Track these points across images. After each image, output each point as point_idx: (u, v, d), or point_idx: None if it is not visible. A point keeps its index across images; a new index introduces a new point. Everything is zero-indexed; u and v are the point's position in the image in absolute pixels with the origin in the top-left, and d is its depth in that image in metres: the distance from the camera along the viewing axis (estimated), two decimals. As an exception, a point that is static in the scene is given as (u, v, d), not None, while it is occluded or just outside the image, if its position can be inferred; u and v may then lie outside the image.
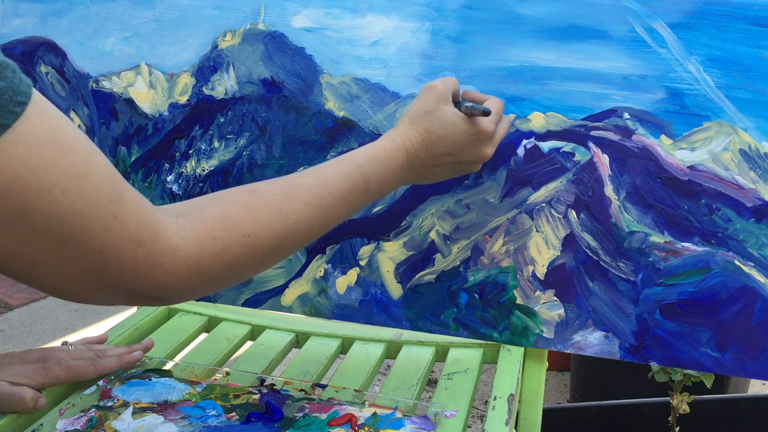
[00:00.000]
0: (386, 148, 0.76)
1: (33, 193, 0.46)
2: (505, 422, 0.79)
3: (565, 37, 0.89)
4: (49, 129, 0.48)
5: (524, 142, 0.91)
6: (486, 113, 0.79)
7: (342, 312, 1.01)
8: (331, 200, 0.68)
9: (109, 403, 0.84)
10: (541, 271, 0.93)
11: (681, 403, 1.45)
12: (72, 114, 1.07)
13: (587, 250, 0.91)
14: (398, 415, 0.81)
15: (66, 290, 0.53)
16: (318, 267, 1.01)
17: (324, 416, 0.81)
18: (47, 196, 0.47)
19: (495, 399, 0.84)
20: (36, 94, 0.48)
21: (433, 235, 0.96)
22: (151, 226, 0.53)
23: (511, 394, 0.85)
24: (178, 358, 0.98)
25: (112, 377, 0.89)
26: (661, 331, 0.89)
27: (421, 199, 0.96)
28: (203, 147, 1.03)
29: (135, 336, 1.04)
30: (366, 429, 0.78)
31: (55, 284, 0.52)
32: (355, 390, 0.86)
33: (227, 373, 0.90)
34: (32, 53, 1.08)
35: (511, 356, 0.94)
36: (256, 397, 0.85)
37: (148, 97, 1.04)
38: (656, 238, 0.88)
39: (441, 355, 1.00)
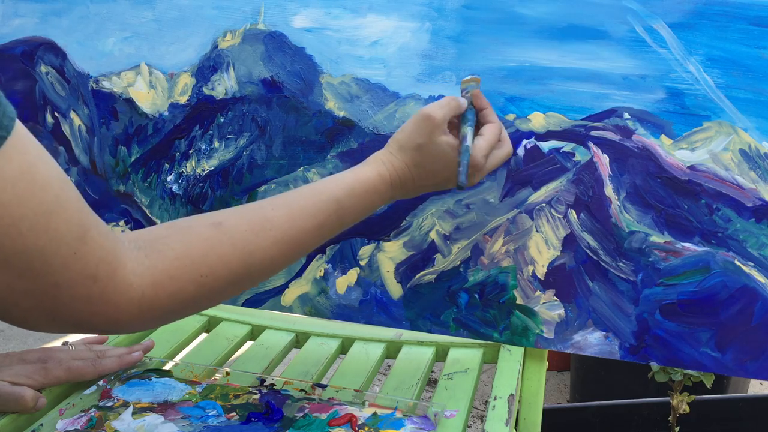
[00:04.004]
0: (370, 181, 0.74)
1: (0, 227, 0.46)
2: (505, 422, 0.79)
3: (565, 37, 0.89)
4: (26, 164, 0.47)
5: (524, 142, 0.91)
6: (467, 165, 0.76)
7: (342, 312, 1.01)
8: (301, 236, 0.67)
9: (109, 403, 0.84)
10: (541, 271, 0.93)
11: (681, 403, 1.45)
12: (72, 114, 1.07)
13: (587, 250, 0.91)
14: (398, 415, 0.81)
15: (17, 319, 0.53)
16: (318, 267, 1.01)
17: (324, 416, 0.81)
18: (13, 231, 0.47)
19: (495, 399, 0.84)
20: (18, 127, 0.47)
21: (433, 235, 0.96)
22: (109, 263, 0.53)
23: (511, 394, 0.85)
24: (178, 358, 0.98)
25: (112, 377, 0.89)
26: (661, 331, 0.89)
27: (421, 199, 0.95)
28: (203, 147, 1.03)
29: (135, 336, 1.04)
30: (366, 429, 0.78)
31: (7, 312, 0.52)
32: (355, 390, 0.86)
33: (227, 373, 0.90)
34: (32, 53, 1.08)
35: (511, 356, 0.94)
36: (256, 397, 0.85)
37: (148, 97, 1.04)
38: (656, 238, 0.88)
39: (441, 355, 1.00)
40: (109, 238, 0.53)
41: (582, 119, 0.89)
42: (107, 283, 0.52)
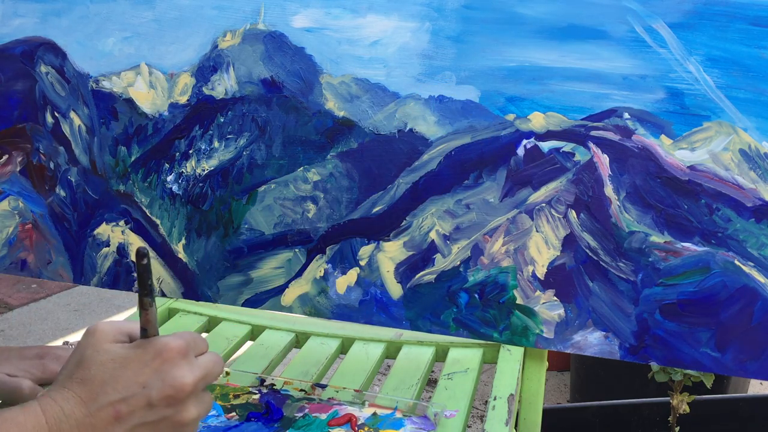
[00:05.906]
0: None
1: None
2: (505, 422, 0.79)
3: (565, 37, 0.89)
4: None
5: (524, 142, 0.91)
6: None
7: (342, 312, 1.01)
8: None
9: (109, 403, 0.84)
10: (541, 271, 0.93)
11: (681, 403, 1.45)
12: (72, 114, 1.07)
13: (587, 250, 0.91)
14: (398, 415, 0.81)
15: None
16: (318, 267, 1.01)
17: (324, 416, 0.81)
18: None
19: (495, 399, 0.84)
20: None
21: (433, 235, 0.96)
22: None
23: (511, 394, 0.85)
24: (178, 358, 0.97)
25: (112, 377, 0.89)
26: (661, 331, 0.89)
27: (421, 199, 0.95)
28: (203, 147, 1.03)
29: (135, 336, 1.03)
30: (366, 429, 0.78)
31: None
32: (355, 390, 0.86)
33: (227, 373, 0.90)
34: (32, 53, 1.08)
35: (511, 356, 0.94)
36: (256, 397, 0.85)
37: (148, 97, 1.04)
38: (656, 238, 0.88)
39: (441, 355, 1.00)
40: None
41: (582, 119, 0.89)
42: None
